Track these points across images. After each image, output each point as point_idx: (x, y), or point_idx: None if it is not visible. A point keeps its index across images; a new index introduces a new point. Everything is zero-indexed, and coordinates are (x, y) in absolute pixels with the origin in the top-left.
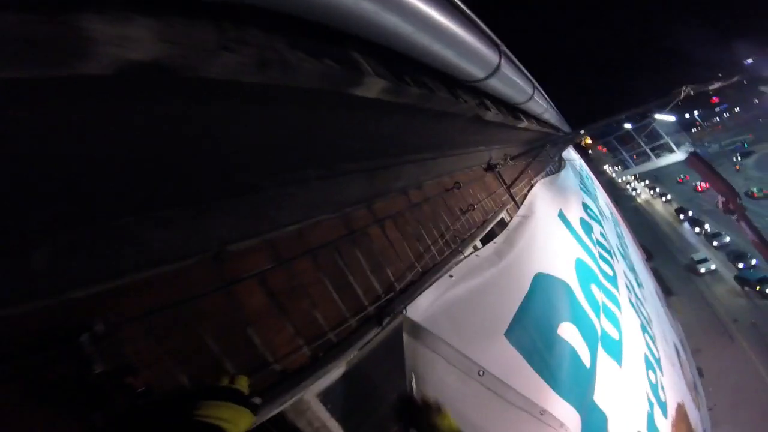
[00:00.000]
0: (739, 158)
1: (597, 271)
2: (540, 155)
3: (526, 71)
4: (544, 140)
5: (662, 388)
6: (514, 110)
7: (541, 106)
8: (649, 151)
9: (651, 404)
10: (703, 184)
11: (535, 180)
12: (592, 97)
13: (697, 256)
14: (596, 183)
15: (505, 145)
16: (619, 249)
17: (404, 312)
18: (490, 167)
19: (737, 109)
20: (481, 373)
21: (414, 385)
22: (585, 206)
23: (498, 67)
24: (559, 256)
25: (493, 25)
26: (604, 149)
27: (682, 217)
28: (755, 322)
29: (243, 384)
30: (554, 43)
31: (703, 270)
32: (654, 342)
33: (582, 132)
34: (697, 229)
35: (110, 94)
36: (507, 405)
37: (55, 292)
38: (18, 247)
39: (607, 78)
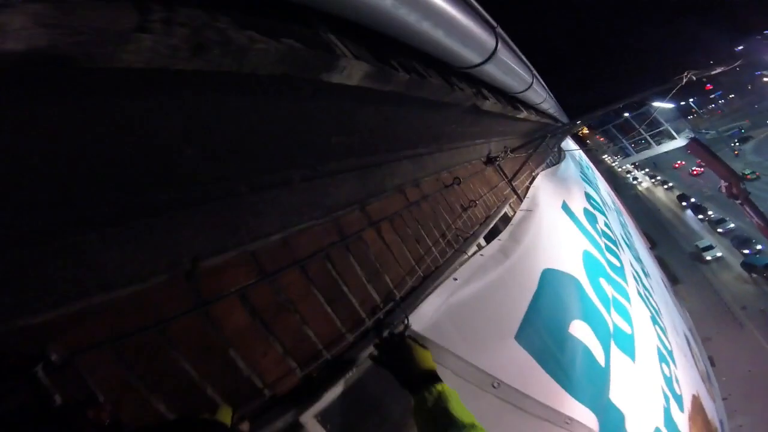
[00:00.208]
0: (737, 143)
1: (604, 263)
2: (541, 146)
3: (524, 57)
4: (543, 131)
5: (677, 380)
6: (512, 100)
7: (540, 95)
8: (649, 139)
9: (667, 398)
10: (697, 168)
11: (536, 172)
12: (587, 85)
13: (701, 244)
14: (596, 172)
15: (505, 137)
16: (623, 238)
17: (406, 322)
18: (490, 160)
19: (732, 96)
20: (496, 384)
21: None
22: (588, 196)
23: (495, 51)
24: (566, 250)
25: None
26: (602, 138)
27: (684, 204)
28: (764, 309)
29: (225, 416)
30: (545, 31)
31: (708, 257)
32: (665, 333)
33: (580, 122)
34: (700, 216)
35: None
36: (528, 417)
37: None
38: None
39: (601, 66)
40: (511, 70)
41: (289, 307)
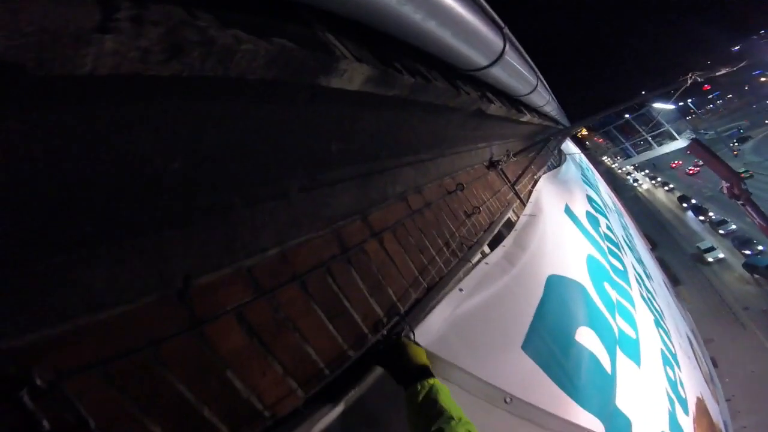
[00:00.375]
0: (736, 144)
1: (608, 267)
2: (543, 149)
3: (529, 59)
4: (545, 133)
5: (681, 384)
6: (516, 103)
7: (544, 97)
8: (650, 140)
9: (672, 402)
10: (693, 168)
11: (538, 175)
12: (586, 86)
13: (703, 245)
14: (596, 174)
15: (506, 140)
16: (625, 240)
17: (412, 337)
18: (492, 164)
19: (730, 96)
20: (508, 400)
21: None
22: (589, 199)
23: (502, 53)
24: (570, 255)
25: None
26: (600, 140)
27: (685, 205)
28: (766, 309)
29: None
30: (543, 29)
31: (710, 259)
32: (669, 336)
33: (580, 122)
34: (701, 217)
35: None
36: None
37: None
38: None
39: (600, 66)
40: (517, 73)
41: (289, 325)
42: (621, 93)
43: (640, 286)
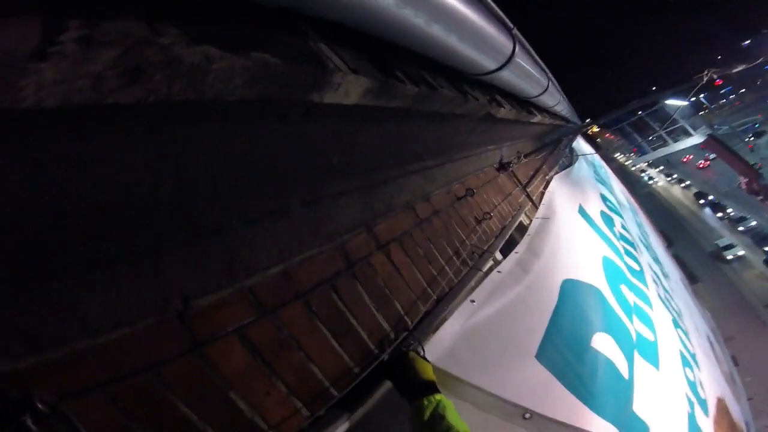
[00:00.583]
0: (752, 138)
1: (624, 268)
2: (556, 150)
3: (539, 60)
4: (556, 133)
5: (701, 384)
6: (526, 104)
7: (555, 98)
8: (665, 136)
9: (691, 404)
10: (703, 162)
11: (549, 175)
12: (595, 84)
13: (722, 242)
14: (609, 171)
15: (517, 141)
16: (641, 239)
17: (421, 353)
18: (502, 167)
19: (743, 90)
20: (527, 416)
21: None
22: (603, 198)
23: (512, 55)
24: (585, 258)
25: None
26: (612, 137)
27: (702, 202)
28: None
29: None
30: (549, 28)
31: (730, 256)
32: (688, 336)
33: (592, 121)
34: (719, 214)
35: None
36: None
37: None
38: None
39: (612, 64)
40: (528, 75)
41: (292, 344)
42: (631, 90)
43: (658, 286)
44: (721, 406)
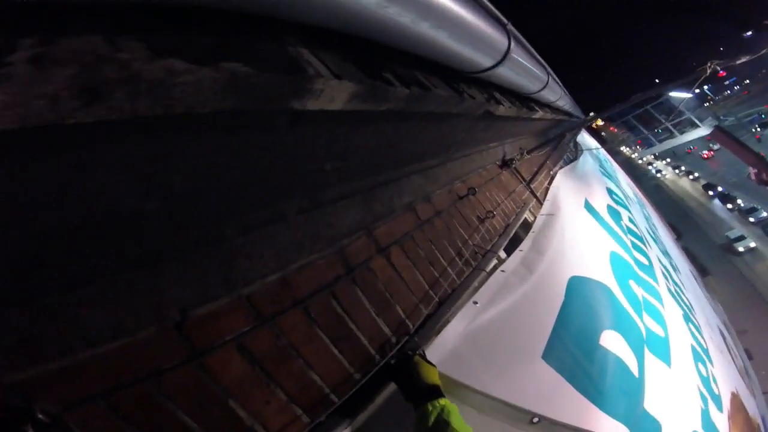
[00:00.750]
0: (758, 128)
1: (633, 263)
2: (560, 144)
3: (538, 55)
4: (560, 128)
5: (714, 380)
6: (527, 100)
7: (556, 93)
8: (672, 128)
9: (705, 400)
10: (707, 152)
11: (554, 171)
12: (599, 81)
13: (732, 234)
14: (615, 164)
15: (519, 137)
16: (649, 232)
17: (422, 356)
18: (505, 164)
19: (747, 81)
20: (535, 420)
21: None
22: (609, 191)
23: (508, 51)
24: (592, 254)
25: None
26: (616, 129)
27: (711, 193)
28: None
29: None
30: (548, 22)
31: (741, 248)
32: (699, 331)
33: (596, 115)
34: (729, 205)
35: None
36: None
37: None
38: None
39: (614, 60)
40: (526, 70)
41: (292, 352)
42: (634, 84)
43: (667, 280)
44: (736, 401)
